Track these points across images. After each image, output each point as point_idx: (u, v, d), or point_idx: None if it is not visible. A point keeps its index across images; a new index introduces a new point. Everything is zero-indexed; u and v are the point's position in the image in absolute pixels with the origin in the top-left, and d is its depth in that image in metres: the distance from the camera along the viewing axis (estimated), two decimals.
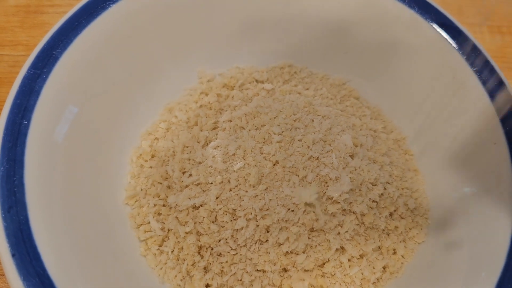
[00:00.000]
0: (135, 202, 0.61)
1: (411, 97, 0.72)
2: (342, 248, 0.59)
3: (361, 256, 0.60)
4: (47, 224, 0.50)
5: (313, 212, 0.57)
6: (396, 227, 0.62)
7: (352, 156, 0.62)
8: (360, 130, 0.68)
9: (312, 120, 0.65)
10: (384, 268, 0.60)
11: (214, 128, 0.67)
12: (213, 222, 0.56)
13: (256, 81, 0.75)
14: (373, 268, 0.60)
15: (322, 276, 0.58)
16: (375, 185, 0.61)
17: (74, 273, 0.49)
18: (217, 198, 0.56)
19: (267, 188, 0.56)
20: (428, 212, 0.65)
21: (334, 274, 0.58)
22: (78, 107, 0.58)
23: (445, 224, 0.63)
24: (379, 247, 0.60)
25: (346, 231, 0.58)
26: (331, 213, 0.58)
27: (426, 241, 0.63)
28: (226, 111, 0.69)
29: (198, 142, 0.65)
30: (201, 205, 0.57)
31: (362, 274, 0.59)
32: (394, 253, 0.62)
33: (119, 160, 0.64)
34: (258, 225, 0.55)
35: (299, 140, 0.61)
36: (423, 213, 0.65)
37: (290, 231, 0.56)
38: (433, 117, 0.69)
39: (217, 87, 0.73)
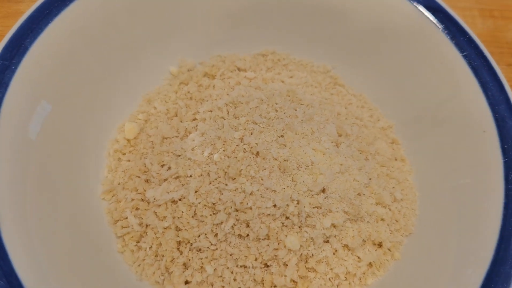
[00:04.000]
0: (112, 196, 0.60)
1: (398, 84, 0.70)
2: (326, 242, 0.57)
3: (346, 250, 0.58)
4: (17, 222, 0.48)
5: (296, 206, 0.55)
6: (382, 219, 0.60)
7: (337, 146, 0.60)
8: (346, 119, 0.66)
9: (295, 109, 0.63)
10: (370, 262, 0.58)
11: (194, 119, 0.65)
12: (192, 216, 0.55)
13: (238, 69, 0.73)
14: (358, 262, 0.58)
15: (305, 271, 0.56)
16: (360, 175, 0.59)
17: (46, 273, 0.47)
18: (196, 191, 0.55)
19: (247, 181, 0.54)
20: (416, 203, 0.63)
21: (318, 269, 0.56)
22: (51, 102, 0.56)
23: (434, 216, 0.61)
24: (364, 241, 0.58)
25: (330, 225, 0.55)
26: (314, 206, 0.55)
27: (413, 233, 0.61)
28: (207, 101, 0.66)
29: (178, 134, 0.63)
30: (180, 199, 0.55)
31: (346, 268, 0.57)
32: (380, 246, 0.60)
33: (95, 153, 0.62)
34: (238, 219, 0.54)
35: (281, 130, 0.59)
36: (411, 204, 0.63)
37: (271, 226, 0.54)
38: (421, 104, 0.66)
39: (198, 76, 0.71)
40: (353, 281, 0.57)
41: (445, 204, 0.60)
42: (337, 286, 0.57)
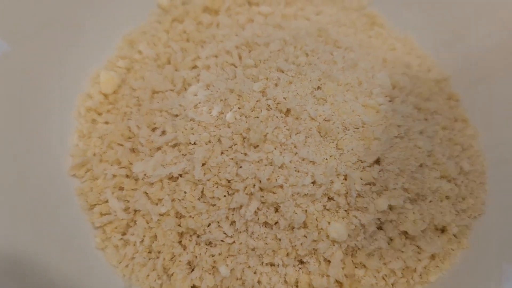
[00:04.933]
0: (86, 172, 0.49)
1: (453, 22, 0.56)
2: (379, 229, 0.45)
3: (403, 239, 0.46)
4: None
5: (342, 182, 0.43)
6: (447, 197, 0.48)
7: (391, 101, 0.46)
8: (393, 67, 0.52)
9: (332, 54, 0.50)
10: (432, 254, 0.46)
11: (194, 67, 0.52)
12: (199, 198, 0.45)
13: (249, 3, 0.60)
14: (419, 254, 0.46)
15: (352, 267, 0.44)
16: (422, 140, 0.46)
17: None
18: (203, 164, 0.45)
19: (276, 149, 0.43)
20: (485, 176, 0.51)
21: (368, 264, 0.44)
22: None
23: (509, 192, 0.48)
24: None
25: (387, 206, 0.43)
26: (367, 182, 0.43)
27: (484, 214, 0.49)
28: (210, 43, 0.53)
29: (174, 87, 0.50)
30: (181, 175, 0.46)
31: (404, 262, 0.45)
32: (444, 231, 0.48)
33: (60, 113, 0.51)
34: (264, 202, 0.43)
35: (317, 80, 0.46)
36: (479, 177, 0.51)
37: (309, 210, 0.43)
38: (485, 48, 0.53)
39: (196, 11, 0.58)
40: (412, 279, 0.46)
41: None
42: (392, 285, 0.46)
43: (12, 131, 0.44)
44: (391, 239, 0.46)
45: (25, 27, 0.46)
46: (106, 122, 0.51)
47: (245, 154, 0.44)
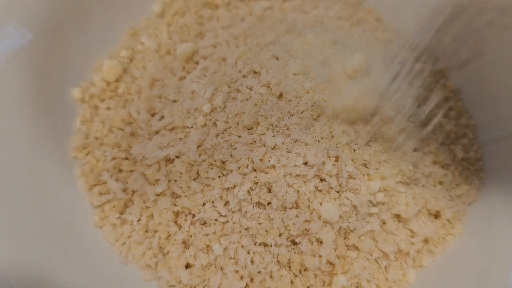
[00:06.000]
0: (87, 154, 0.50)
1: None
2: (371, 214, 0.44)
3: (397, 222, 0.45)
4: None
5: (334, 164, 0.43)
6: (440, 182, 0.48)
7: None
8: None
9: (326, 40, 0.50)
10: (425, 238, 0.46)
11: (193, 56, 0.52)
12: (194, 179, 0.45)
13: None
14: (412, 237, 0.46)
15: (344, 249, 0.44)
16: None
17: None
18: (199, 146, 0.45)
19: (269, 131, 0.44)
20: (480, 162, 0.51)
21: (361, 246, 0.44)
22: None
23: (502, 180, 0.48)
24: (419, 210, 0.46)
25: (379, 189, 0.43)
26: (358, 165, 0.43)
27: (478, 200, 0.49)
28: (209, 34, 0.54)
29: (173, 76, 0.51)
30: (177, 157, 0.46)
31: (397, 245, 0.45)
32: (437, 216, 0.48)
33: (65, 99, 0.51)
34: (257, 182, 0.44)
35: (311, 65, 0.47)
36: (473, 164, 0.50)
37: (301, 190, 0.43)
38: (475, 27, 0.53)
39: (197, 5, 0.58)
40: (405, 262, 0.46)
41: None
42: (385, 268, 0.45)
43: (21, 117, 0.45)
44: (384, 222, 0.45)
45: (37, 18, 0.47)
46: (108, 108, 0.51)
47: (239, 136, 0.44)
